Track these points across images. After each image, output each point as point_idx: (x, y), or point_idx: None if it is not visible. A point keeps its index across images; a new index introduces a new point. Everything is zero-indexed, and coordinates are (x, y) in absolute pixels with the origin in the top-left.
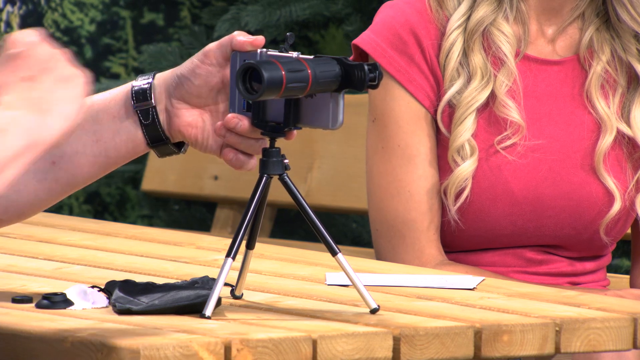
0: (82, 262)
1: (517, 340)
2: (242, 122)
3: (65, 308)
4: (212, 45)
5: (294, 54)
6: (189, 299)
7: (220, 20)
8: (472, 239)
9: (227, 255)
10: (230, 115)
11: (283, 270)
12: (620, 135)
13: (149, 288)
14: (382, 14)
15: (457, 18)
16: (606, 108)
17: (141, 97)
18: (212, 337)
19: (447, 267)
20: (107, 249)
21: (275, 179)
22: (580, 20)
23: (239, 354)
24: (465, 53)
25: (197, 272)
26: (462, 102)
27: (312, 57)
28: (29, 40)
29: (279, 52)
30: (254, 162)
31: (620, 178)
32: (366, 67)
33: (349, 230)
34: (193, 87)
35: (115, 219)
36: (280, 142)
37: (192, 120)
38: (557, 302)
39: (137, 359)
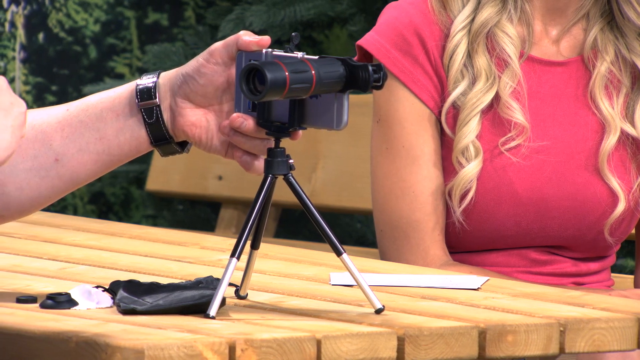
0: (86, 262)
1: (521, 340)
2: (247, 121)
3: (69, 308)
4: (217, 45)
5: (299, 54)
6: (194, 299)
7: (225, 21)
8: (477, 240)
9: (232, 255)
10: (235, 114)
11: (287, 270)
12: (624, 135)
13: (154, 288)
14: (386, 15)
15: (461, 20)
16: (610, 108)
17: (146, 96)
18: (217, 337)
19: (451, 267)
20: (111, 249)
21: (279, 179)
22: (585, 21)
23: (243, 354)
24: (470, 55)
25: (202, 272)
26: (466, 104)
27: (316, 57)
28: None
29: (284, 52)
30: (261, 165)
31: (624, 178)
32: (370, 68)
33: (354, 230)
34: (198, 86)
35: (119, 219)
36: (284, 142)
37: (196, 119)
38: (561, 302)
39: (142, 359)
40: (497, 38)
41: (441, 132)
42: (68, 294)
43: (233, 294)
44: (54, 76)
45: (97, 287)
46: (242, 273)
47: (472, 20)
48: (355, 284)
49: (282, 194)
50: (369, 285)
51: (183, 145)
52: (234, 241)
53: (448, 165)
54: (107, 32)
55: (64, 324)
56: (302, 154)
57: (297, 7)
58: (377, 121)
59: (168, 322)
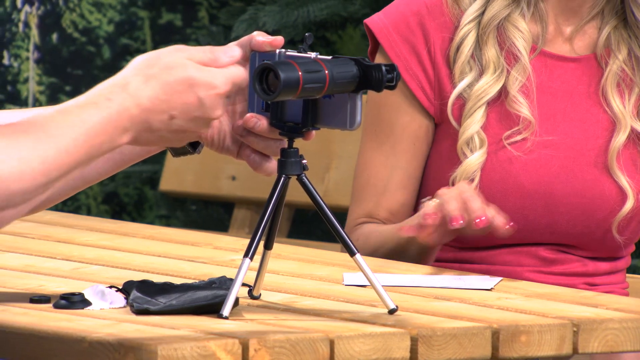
0: (99, 262)
1: (534, 340)
2: (260, 121)
3: (83, 308)
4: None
5: (312, 55)
6: (207, 299)
7: (238, 21)
8: (485, 234)
9: (245, 255)
10: (249, 114)
11: (301, 270)
12: (634, 134)
13: (167, 288)
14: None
15: (471, 12)
16: (621, 106)
17: None
18: (230, 338)
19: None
20: (124, 249)
21: (293, 179)
22: (599, 19)
23: (256, 354)
24: (479, 46)
25: (215, 272)
26: (472, 95)
27: (330, 57)
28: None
29: (298, 52)
30: (273, 166)
31: (633, 177)
32: (384, 68)
33: None
34: None
35: (133, 219)
36: (297, 142)
37: None
38: (574, 303)
39: (155, 359)
40: (507, 32)
41: (437, 125)
42: (81, 294)
43: (246, 294)
44: (68, 76)
45: (111, 287)
46: (255, 273)
47: (483, 13)
48: (369, 284)
49: (295, 194)
50: (382, 286)
51: (195, 146)
52: (247, 241)
53: (453, 156)
54: (120, 32)
55: (78, 324)
56: (315, 154)
57: (310, 8)
58: (365, 101)
59: (181, 322)
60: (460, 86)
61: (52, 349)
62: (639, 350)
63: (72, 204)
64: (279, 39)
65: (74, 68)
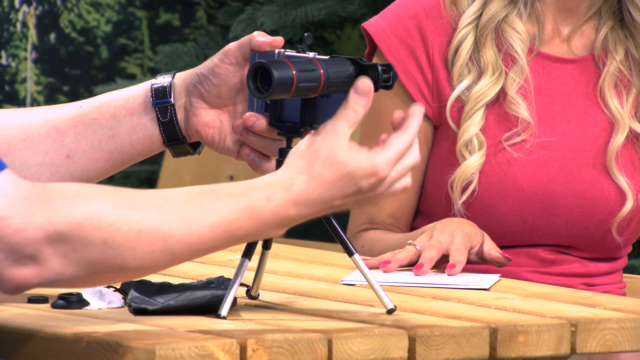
0: None
1: (532, 340)
2: (259, 121)
3: (81, 308)
4: (232, 45)
5: (311, 55)
6: (205, 299)
7: (236, 21)
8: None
9: (243, 255)
10: (248, 113)
11: (299, 270)
12: (633, 134)
13: (165, 288)
14: (397, 2)
15: (469, 14)
16: (619, 107)
17: (160, 95)
18: (228, 337)
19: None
20: None
21: None
22: (597, 19)
23: (254, 354)
24: (477, 49)
25: (213, 272)
26: (471, 97)
27: (327, 57)
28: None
29: (296, 52)
30: (272, 166)
31: (632, 177)
32: (380, 68)
33: None
34: (212, 86)
35: None
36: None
37: (209, 120)
38: (572, 303)
39: (153, 358)
40: (505, 34)
41: (436, 128)
42: (79, 294)
43: (244, 294)
44: (66, 76)
45: (109, 287)
46: (253, 273)
47: (480, 15)
48: (367, 283)
49: None
50: (380, 284)
51: (195, 147)
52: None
53: (452, 159)
54: (118, 32)
55: (76, 324)
56: None
57: (309, 8)
58: None
59: (179, 322)
60: (459, 89)
61: (50, 349)
62: (637, 350)
63: None
64: (279, 40)
65: (71, 68)
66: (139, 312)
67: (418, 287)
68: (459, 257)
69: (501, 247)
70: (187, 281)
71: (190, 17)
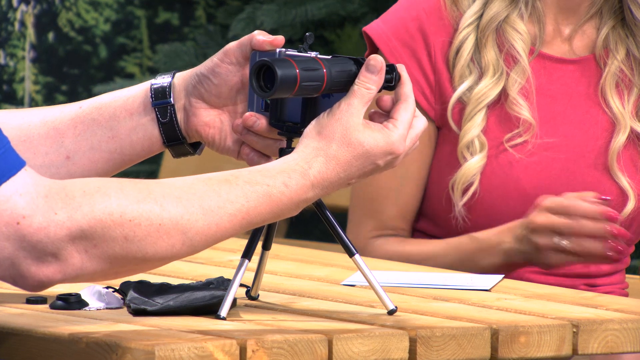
0: None
1: (534, 341)
2: (260, 120)
3: (79, 309)
4: (232, 44)
5: (312, 54)
6: (204, 300)
7: (236, 20)
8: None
9: (243, 256)
10: (248, 113)
11: (299, 271)
12: (634, 135)
13: (164, 289)
14: (397, 5)
15: (469, 15)
16: (620, 107)
17: (160, 95)
18: (227, 338)
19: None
20: None
21: None
22: (598, 19)
23: (254, 355)
24: (478, 49)
25: (212, 272)
26: (472, 99)
27: (329, 57)
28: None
29: (298, 52)
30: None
31: (634, 177)
32: None
33: None
34: (212, 86)
35: None
36: (295, 143)
37: (209, 120)
38: (574, 304)
39: (152, 359)
40: (506, 34)
41: (439, 129)
42: (78, 295)
43: (244, 295)
44: (64, 76)
45: (108, 287)
46: (253, 274)
47: (481, 15)
48: (367, 284)
49: None
50: (381, 284)
51: (195, 147)
52: (245, 242)
53: (453, 161)
54: (117, 31)
55: (74, 324)
56: None
57: (308, 7)
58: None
59: (178, 323)
60: (460, 90)
61: (48, 349)
62: (639, 351)
63: None
64: (280, 38)
65: (70, 67)
66: (138, 312)
67: (419, 287)
68: None
69: None
70: (187, 282)
71: (190, 16)
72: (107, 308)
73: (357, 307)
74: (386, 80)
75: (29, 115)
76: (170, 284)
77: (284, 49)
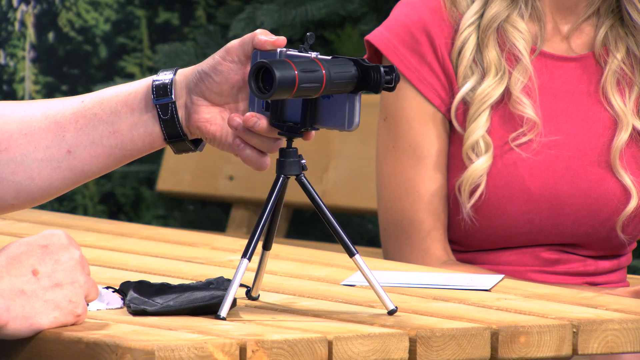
0: (96, 263)
1: (534, 341)
2: (260, 121)
3: None
4: (234, 43)
5: (313, 54)
6: (204, 300)
7: (236, 20)
8: (489, 238)
9: (243, 256)
10: (248, 113)
11: (299, 271)
12: (636, 132)
13: (164, 289)
14: (397, 12)
15: (470, 15)
16: (622, 104)
17: (161, 92)
18: (227, 338)
19: (451, 267)
20: (121, 249)
21: (291, 179)
22: (596, 17)
23: (254, 355)
24: (480, 50)
25: (212, 272)
26: (475, 99)
27: (329, 57)
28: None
29: (298, 52)
30: (268, 161)
31: (637, 175)
32: (382, 69)
33: (365, 230)
34: (213, 83)
35: (130, 220)
36: (296, 142)
37: (211, 117)
38: (574, 304)
39: (152, 359)
40: (507, 33)
41: (450, 130)
42: None
43: (244, 295)
44: (64, 76)
45: (108, 287)
46: (253, 274)
47: (482, 15)
48: (367, 284)
49: (293, 194)
50: (381, 285)
51: (197, 144)
52: (245, 242)
53: (458, 162)
54: (117, 31)
55: (74, 325)
56: (313, 154)
57: (309, 7)
58: (384, 119)
59: (178, 323)
60: (463, 90)
61: (48, 349)
62: (639, 351)
63: (69, 205)
64: (282, 39)
65: (70, 67)
66: (137, 313)
67: (419, 287)
68: None
69: (506, 248)
70: (187, 282)
71: (190, 16)
72: (107, 308)
73: (357, 307)
74: (386, 82)
75: (30, 108)
76: (170, 284)
77: (284, 49)
